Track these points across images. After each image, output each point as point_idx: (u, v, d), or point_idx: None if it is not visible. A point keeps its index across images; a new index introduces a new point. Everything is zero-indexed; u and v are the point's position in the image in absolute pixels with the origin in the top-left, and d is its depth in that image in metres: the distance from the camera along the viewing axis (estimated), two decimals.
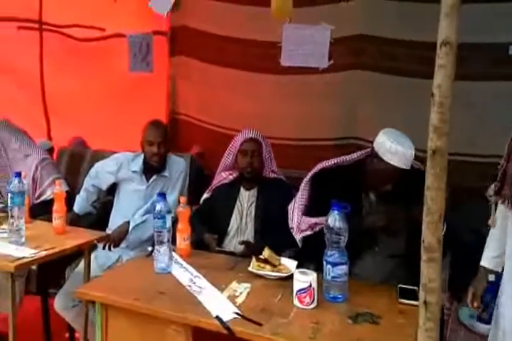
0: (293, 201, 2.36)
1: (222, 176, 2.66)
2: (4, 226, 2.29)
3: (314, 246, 1.97)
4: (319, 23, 3.48)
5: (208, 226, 2.51)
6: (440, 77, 1.35)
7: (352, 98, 3.50)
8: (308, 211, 2.28)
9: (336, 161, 2.30)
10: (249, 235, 2.49)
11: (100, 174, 2.91)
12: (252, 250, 2.23)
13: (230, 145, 2.61)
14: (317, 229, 2.19)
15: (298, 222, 2.27)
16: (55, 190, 2.41)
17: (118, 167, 2.85)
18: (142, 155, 2.84)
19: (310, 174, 2.33)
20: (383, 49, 3.33)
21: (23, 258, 2.03)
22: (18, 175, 2.17)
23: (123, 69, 4.51)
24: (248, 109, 3.78)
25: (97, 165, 2.96)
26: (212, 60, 4.13)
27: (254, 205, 2.54)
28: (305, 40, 3.55)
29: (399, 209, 2.08)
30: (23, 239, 2.18)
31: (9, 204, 2.14)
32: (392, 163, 2.04)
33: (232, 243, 2.50)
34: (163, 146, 2.77)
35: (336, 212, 1.75)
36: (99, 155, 3.28)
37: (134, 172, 2.82)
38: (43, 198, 2.90)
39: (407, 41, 3.29)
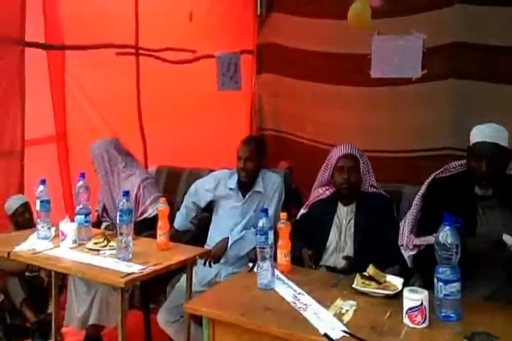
0: (405, 217, 2.28)
1: (319, 192, 2.63)
2: (112, 243, 2.39)
3: (423, 264, 1.89)
4: (411, 33, 3.41)
5: (305, 242, 2.48)
6: None
7: (447, 107, 3.39)
8: (417, 227, 2.20)
9: (445, 168, 2.22)
10: (348, 251, 2.44)
11: (199, 191, 2.99)
12: (354, 266, 2.18)
13: (326, 161, 2.58)
14: (422, 248, 2.12)
15: (407, 239, 2.19)
16: (159, 207, 2.49)
17: (216, 184, 2.92)
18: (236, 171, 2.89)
19: (423, 187, 2.24)
20: (482, 56, 3.20)
21: (132, 273, 2.09)
22: (126, 193, 2.24)
23: (212, 88, 4.66)
24: (340, 122, 3.77)
25: (196, 183, 3.04)
26: (300, 75, 4.17)
27: (353, 221, 2.48)
28: (396, 50, 3.49)
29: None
30: (131, 256, 2.25)
31: (118, 221, 2.21)
32: (476, 140, 2.06)
33: (332, 259, 2.46)
34: (250, 162, 2.79)
35: (448, 227, 1.66)
36: (196, 173, 3.38)
37: (230, 189, 2.87)
38: (144, 216, 3.01)
39: (508, 47, 3.14)
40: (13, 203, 3.14)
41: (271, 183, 2.86)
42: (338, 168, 2.50)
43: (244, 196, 2.86)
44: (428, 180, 2.24)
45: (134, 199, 2.97)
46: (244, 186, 2.86)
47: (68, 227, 2.43)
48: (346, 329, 1.62)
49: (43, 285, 3.18)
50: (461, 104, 3.37)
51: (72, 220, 2.53)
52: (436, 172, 2.23)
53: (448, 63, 3.38)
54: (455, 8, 3.29)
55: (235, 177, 2.88)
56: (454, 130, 3.40)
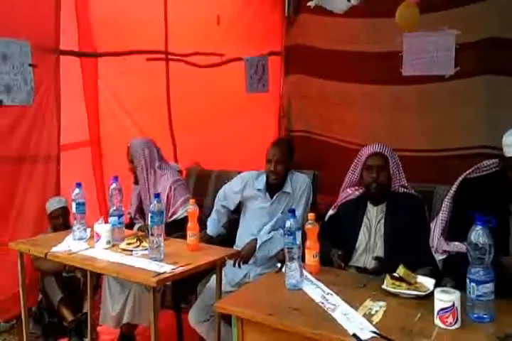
0: (435, 218, 2.25)
1: (348, 192, 2.61)
2: (145, 243, 2.44)
3: (454, 266, 1.86)
4: (442, 29, 3.36)
5: (334, 243, 2.47)
6: None
7: (481, 104, 3.33)
8: (448, 231, 2.16)
9: (476, 167, 2.17)
10: (379, 251, 2.41)
11: (228, 195, 3.02)
12: (384, 266, 2.16)
13: (355, 161, 2.56)
14: (452, 253, 2.09)
15: (437, 242, 2.15)
16: (188, 208, 2.52)
17: (243, 186, 2.94)
18: (265, 173, 2.90)
19: (453, 188, 2.20)
20: None
21: (164, 273, 2.13)
22: (157, 195, 2.29)
23: (241, 91, 4.70)
24: (370, 121, 3.74)
25: (225, 187, 3.07)
26: (329, 75, 4.16)
27: (383, 221, 2.45)
28: (428, 47, 3.44)
29: None
30: (162, 256, 2.29)
31: (149, 223, 2.26)
32: (509, 155, 1.94)
33: (361, 259, 2.44)
34: (280, 164, 2.80)
35: (480, 226, 1.63)
36: (224, 175, 3.41)
37: (258, 190, 2.88)
38: (174, 217, 3.05)
39: None
40: (50, 205, 3.22)
41: (299, 184, 2.86)
42: (367, 167, 2.47)
43: (272, 197, 2.87)
44: (458, 181, 2.19)
45: (166, 200, 3.01)
46: (272, 187, 2.87)
47: (102, 228, 2.49)
48: (376, 330, 1.61)
49: (79, 285, 3.26)
50: (495, 102, 3.30)
51: (106, 222, 2.59)
52: (467, 172, 2.18)
53: (483, 59, 3.31)
54: (489, 2, 3.22)
55: (263, 178, 2.89)
56: (487, 128, 3.34)
